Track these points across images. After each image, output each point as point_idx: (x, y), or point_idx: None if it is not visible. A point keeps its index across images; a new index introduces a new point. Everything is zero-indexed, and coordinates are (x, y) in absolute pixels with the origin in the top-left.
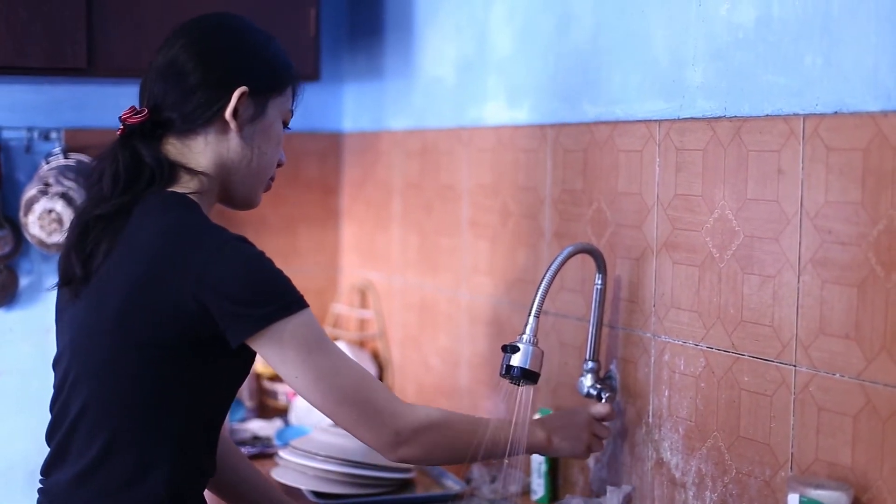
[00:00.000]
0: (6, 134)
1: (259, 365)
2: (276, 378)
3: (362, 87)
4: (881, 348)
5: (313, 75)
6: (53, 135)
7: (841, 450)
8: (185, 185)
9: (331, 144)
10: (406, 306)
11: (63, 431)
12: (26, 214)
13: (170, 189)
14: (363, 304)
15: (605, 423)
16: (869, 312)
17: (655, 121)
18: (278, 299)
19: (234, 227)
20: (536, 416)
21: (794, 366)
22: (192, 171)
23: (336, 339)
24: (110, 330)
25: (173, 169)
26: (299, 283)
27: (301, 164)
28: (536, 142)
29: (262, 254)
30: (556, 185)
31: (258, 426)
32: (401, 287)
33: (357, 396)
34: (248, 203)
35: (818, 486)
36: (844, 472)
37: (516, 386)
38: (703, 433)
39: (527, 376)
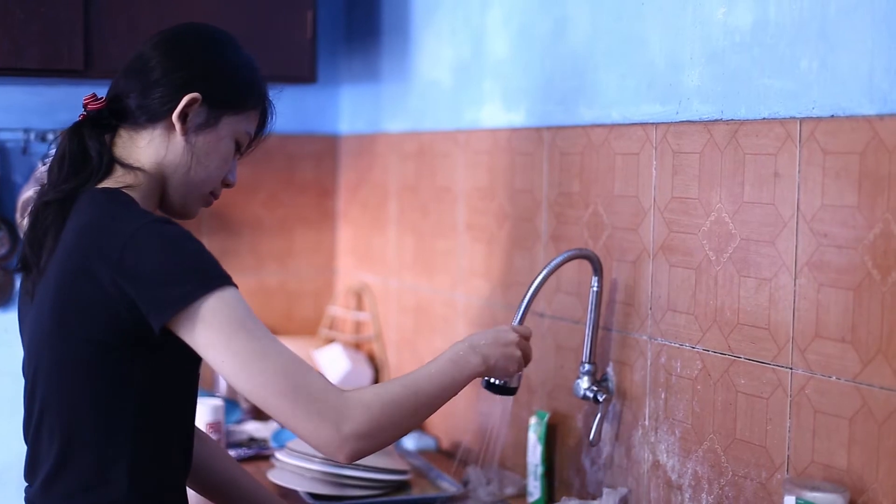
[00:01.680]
0: (3, 135)
1: None
2: None
3: (359, 90)
4: (877, 351)
5: (310, 77)
6: (50, 136)
7: (837, 452)
8: (119, 180)
9: (327, 147)
10: (402, 308)
11: (31, 436)
12: (23, 216)
13: (103, 183)
14: (359, 306)
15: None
16: (865, 315)
17: (652, 124)
18: (196, 278)
19: (229, 228)
20: (468, 338)
21: (791, 368)
22: (128, 167)
23: (332, 341)
24: (50, 330)
25: (111, 164)
26: (295, 284)
27: (297, 166)
28: (533, 144)
29: (183, 233)
30: (553, 188)
31: (254, 428)
32: (397, 289)
33: (287, 383)
34: (182, 213)
35: (814, 489)
36: (840, 475)
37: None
38: (699, 435)
39: (503, 391)
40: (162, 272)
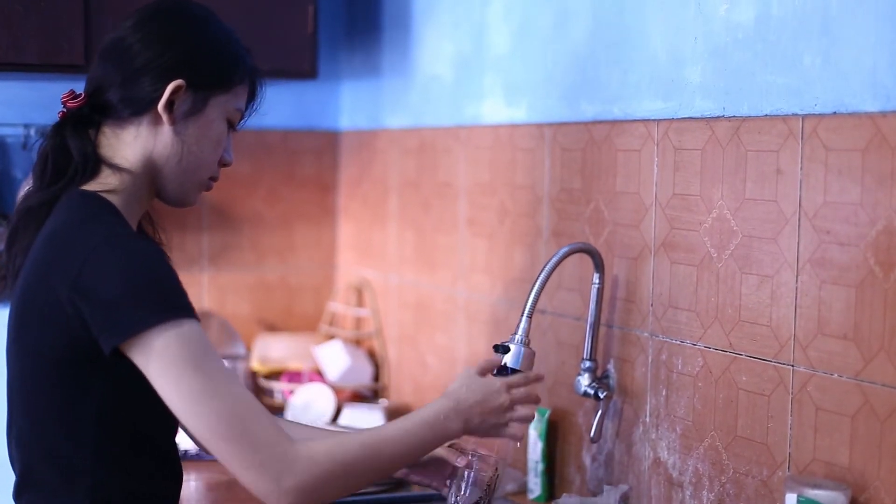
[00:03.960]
0: (3, 130)
1: (255, 362)
2: (271, 376)
3: (359, 85)
4: (879, 348)
5: (310, 73)
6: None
7: (838, 450)
8: (104, 182)
9: (328, 142)
10: (403, 305)
11: (6, 440)
12: None
13: (87, 186)
14: (359, 302)
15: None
16: (867, 313)
17: (654, 120)
18: (151, 305)
19: (229, 223)
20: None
21: (792, 366)
22: (115, 167)
23: (332, 337)
24: (13, 340)
25: (97, 164)
26: (295, 280)
27: (298, 161)
28: (534, 140)
29: (148, 253)
30: (554, 184)
31: None
32: (397, 285)
33: (232, 428)
34: (180, 202)
35: (816, 486)
36: (842, 472)
37: None
38: (700, 433)
39: None
40: (118, 294)
